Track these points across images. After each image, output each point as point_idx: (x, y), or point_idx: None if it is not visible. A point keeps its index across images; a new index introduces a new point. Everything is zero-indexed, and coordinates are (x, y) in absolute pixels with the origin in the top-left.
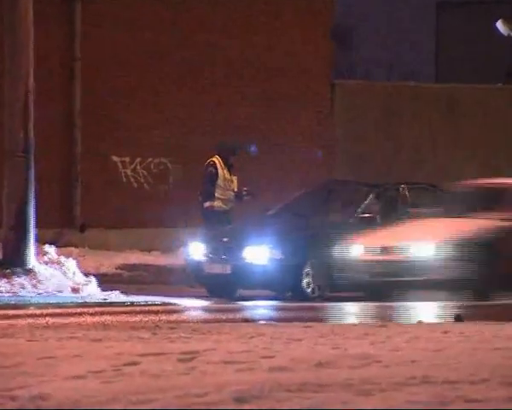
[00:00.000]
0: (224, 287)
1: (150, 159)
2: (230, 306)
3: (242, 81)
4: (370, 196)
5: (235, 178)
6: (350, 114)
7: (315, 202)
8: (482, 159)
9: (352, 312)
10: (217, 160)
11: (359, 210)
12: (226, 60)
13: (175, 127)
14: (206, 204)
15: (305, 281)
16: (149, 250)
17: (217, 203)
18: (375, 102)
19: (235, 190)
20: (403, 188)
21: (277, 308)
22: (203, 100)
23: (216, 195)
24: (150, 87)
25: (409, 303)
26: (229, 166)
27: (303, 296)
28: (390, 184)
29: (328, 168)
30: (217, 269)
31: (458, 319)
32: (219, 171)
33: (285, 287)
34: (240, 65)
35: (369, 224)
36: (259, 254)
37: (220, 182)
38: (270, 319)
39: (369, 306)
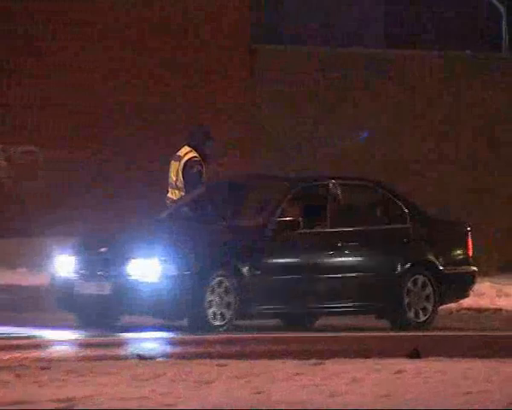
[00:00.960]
0: (101, 313)
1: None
2: (116, 339)
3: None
4: (290, 194)
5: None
6: (276, 86)
7: (222, 201)
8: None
9: (275, 344)
10: (195, 153)
11: (277, 212)
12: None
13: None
14: None
15: (207, 305)
16: (14, 267)
17: None
18: (308, 70)
19: None
20: (334, 184)
21: (178, 341)
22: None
23: None
24: None
25: (347, 335)
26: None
27: (205, 325)
28: (318, 179)
29: (246, 157)
30: (91, 289)
31: (414, 354)
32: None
33: (182, 313)
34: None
35: (290, 230)
36: (148, 269)
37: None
38: (170, 355)
39: (299, 337)
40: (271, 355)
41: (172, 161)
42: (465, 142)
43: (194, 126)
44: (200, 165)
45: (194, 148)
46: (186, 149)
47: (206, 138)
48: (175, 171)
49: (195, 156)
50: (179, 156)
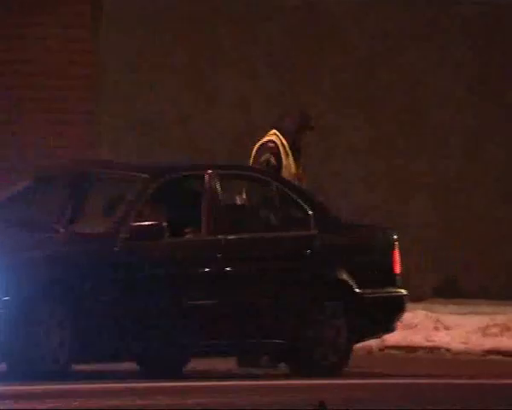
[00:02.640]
0: None
1: None
2: None
3: None
4: (150, 189)
5: (303, 173)
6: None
7: (56, 198)
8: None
9: (130, 396)
10: (278, 139)
11: (132, 214)
12: None
13: None
14: None
15: (34, 344)
16: None
17: None
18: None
19: None
20: (211, 176)
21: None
22: None
23: None
24: None
25: (229, 384)
26: (295, 153)
27: (32, 371)
28: (189, 169)
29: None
30: None
31: (321, 407)
32: (283, 161)
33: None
34: None
35: (150, 238)
36: None
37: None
38: None
39: (160, 387)
40: None
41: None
42: None
43: (294, 109)
44: (275, 155)
45: (284, 134)
46: (272, 132)
47: (304, 125)
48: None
49: (273, 142)
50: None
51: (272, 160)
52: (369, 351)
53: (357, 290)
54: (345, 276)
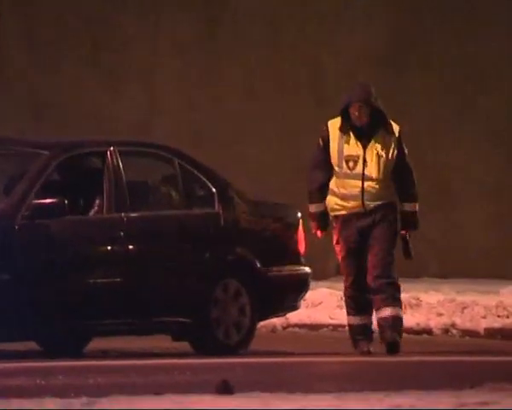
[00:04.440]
0: None
1: None
2: None
3: None
4: (50, 166)
5: (372, 157)
6: None
7: None
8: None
9: (32, 376)
10: (333, 124)
11: (32, 192)
12: None
13: None
14: (311, 208)
15: None
16: None
17: (331, 202)
18: None
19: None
20: (113, 152)
21: None
22: None
23: (330, 186)
24: None
25: (130, 363)
26: (359, 133)
27: None
28: (90, 145)
29: None
30: None
31: (224, 387)
32: (331, 143)
33: None
34: None
35: (51, 216)
36: None
37: (335, 162)
38: None
39: (60, 366)
40: (27, 394)
41: None
42: None
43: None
44: (323, 139)
45: (341, 113)
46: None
47: (371, 103)
48: None
49: (325, 125)
50: None
51: (321, 144)
52: (273, 329)
53: (261, 269)
54: (248, 254)
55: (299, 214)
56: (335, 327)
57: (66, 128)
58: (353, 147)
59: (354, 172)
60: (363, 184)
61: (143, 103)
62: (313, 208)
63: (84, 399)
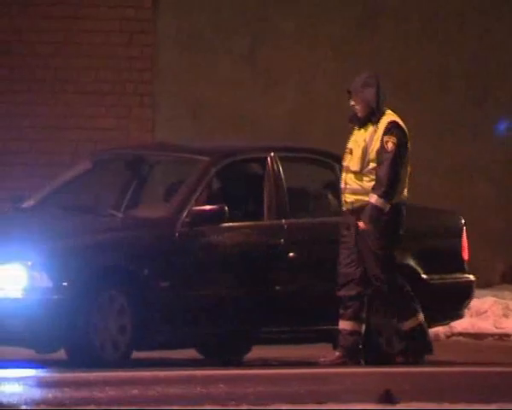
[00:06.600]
0: None
1: None
2: None
3: None
4: (211, 173)
5: (357, 149)
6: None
7: (114, 182)
8: None
9: (191, 385)
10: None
11: (193, 198)
12: None
13: None
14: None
15: (94, 330)
16: None
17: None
18: None
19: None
20: (273, 159)
21: (52, 382)
22: None
23: None
24: None
25: (293, 372)
26: (359, 124)
27: (91, 358)
28: (251, 151)
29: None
30: None
31: (386, 396)
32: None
33: (58, 341)
34: None
35: (211, 223)
36: (8, 278)
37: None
38: (40, 401)
39: (223, 374)
40: (188, 402)
41: None
42: None
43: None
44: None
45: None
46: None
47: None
48: None
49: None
50: None
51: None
52: (437, 338)
53: (424, 277)
54: (410, 261)
55: (463, 221)
56: (501, 337)
57: (222, 128)
58: (350, 139)
59: (344, 164)
60: (346, 177)
61: (299, 106)
62: None
63: (245, 407)
